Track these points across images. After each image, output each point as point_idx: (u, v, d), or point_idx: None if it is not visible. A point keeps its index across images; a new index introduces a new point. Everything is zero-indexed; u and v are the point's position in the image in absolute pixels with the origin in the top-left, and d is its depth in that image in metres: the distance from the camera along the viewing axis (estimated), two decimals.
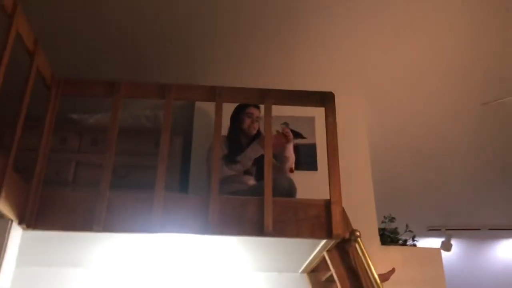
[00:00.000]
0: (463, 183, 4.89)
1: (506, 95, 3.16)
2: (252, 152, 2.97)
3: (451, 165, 4.70)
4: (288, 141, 3.02)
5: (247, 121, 3.14)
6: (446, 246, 5.33)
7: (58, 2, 3.18)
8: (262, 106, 2.75)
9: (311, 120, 3.76)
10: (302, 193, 2.87)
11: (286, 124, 3.53)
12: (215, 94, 2.64)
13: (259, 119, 3.18)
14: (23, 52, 2.24)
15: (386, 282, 2.98)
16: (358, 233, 2.60)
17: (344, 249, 2.68)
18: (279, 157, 3.03)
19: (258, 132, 3.17)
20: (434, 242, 5.41)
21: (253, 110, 3.16)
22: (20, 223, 2.18)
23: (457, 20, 3.36)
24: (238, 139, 3.09)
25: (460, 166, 4.72)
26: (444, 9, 3.23)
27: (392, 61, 3.72)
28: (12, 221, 2.13)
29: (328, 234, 2.40)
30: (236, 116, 3.16)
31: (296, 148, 3.68)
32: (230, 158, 2.95)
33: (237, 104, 3.16)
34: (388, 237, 3.74)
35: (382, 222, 3.82)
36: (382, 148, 4.37)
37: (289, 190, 2.73)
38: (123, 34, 3.46)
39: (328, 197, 2.47)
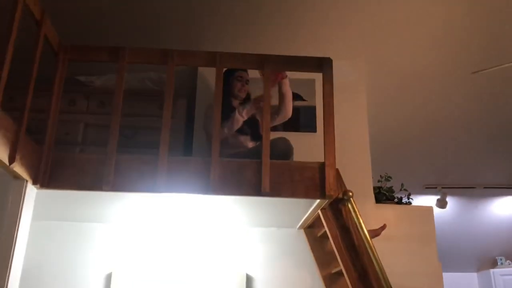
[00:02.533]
0: (458, 143, 5.01)
1: (496, 64, 3.26)
2: (248, 108, 3.07)
3: (447, 127, 4.81)
4: (283, 76, 3.13)
5: (238, 85, 3.25)
6: (442, 204, 5.54)
7: None
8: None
9: (311, 82, 3.85)
10: (301, 154, 3.01)
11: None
12: (216, 59, 2.74)
13: (249, 82, 3.28)
14: (32, 21, 2.33)
15: (379, 238, 3.16)
16: (350, 193, 2.77)
17: (338, 208, 2.85)
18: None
19: (248, 94, 3.28)
20: (430, 200, 5.59)
21: (242, 74, 3.26)
22: (34, 183, 2.36)
23: None
24: (229, 102, 3.18)
25: (455, 128, 4.82)
26: None
27: (391, 27, 3.78)
28: (27, 181, 2.30)
29: (322, 195, 2.57)
30: (226, 80, 3.16)
31: (296, 109, 3.81)
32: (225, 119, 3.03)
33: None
34: (384, 195, 3.88)
35: (379, 181, 3.95)
36: (380, 111, 4.47)
37: (286, 152, 2.87)
38: (125, 1, 3.52)
39: None
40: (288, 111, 3.27)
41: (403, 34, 3.89)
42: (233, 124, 3.03)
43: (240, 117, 3.06)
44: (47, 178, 2.42)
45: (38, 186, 2.38)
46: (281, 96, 3.21)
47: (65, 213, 3.08)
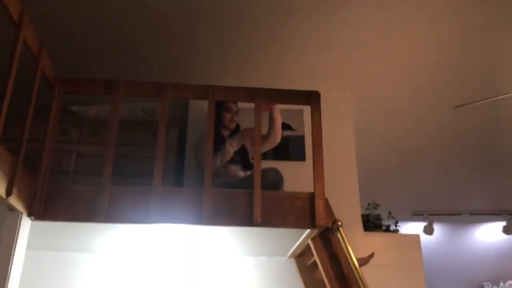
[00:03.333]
0: (444, 171, 5.13)
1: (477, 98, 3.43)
2: (237, 139, 3.19)
3: (432, 155, 4.94)
4: (274, 104, 3.25)
5: (227, 115, 3.34)
6: (429, 230, 5.64)
7: (60, 6, 3.31)
8: None
9: (300, 112, 3.94)
10: (291, 182, 3.09)
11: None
12: (208, 92, 2.82)
13: (238, 113, 3.37)
14: (28, 54, 2.39)
15: (367, 266, 3.20)
16: (339, 223, 2.82)
17: (327, 237, 2.90)
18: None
19: (237, 125, 3.36)
20: (417, 226, 5.68)
21: (232, 105, 3.35)
22: (29, 215, 2.39)
23: (438, 24, 3.59)
24: (220, 133, 3.26)
25: (440, 156, 4.95)
26: (425, 9, 3.41)
27: (377, 58, 3.93)
28: (22, 213, 2.33)
29: (312, 224, 2.63)
30: (216, 111, 3.23)
31: (286, 139, 3.91)
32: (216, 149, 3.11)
33: None
34: (372, 223, 3.95)
35: (367, 208, 4.03)
36: (367, 140, 4.58)
37: (276, 181, 2.94)
38: (121, 35, 3.63)
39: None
40: (278, 136, 3.36)
41: (389, 67, 4.04)
42: (224, 155, 3.11)
43: (231, 148, 3.14)
44: (42, 210, 2.45)
45: (33, 218, 2.41)
46: (271, 121, 3.32)
47: (59, 243, 3.09)
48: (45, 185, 2.50)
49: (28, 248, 2.42)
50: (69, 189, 2.58)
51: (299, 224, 2.65)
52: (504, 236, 5.80)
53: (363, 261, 3.18)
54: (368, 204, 4.04)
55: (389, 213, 4.14)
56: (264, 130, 3.27)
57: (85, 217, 2.49)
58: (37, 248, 3.05)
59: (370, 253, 3.29)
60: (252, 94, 2.85)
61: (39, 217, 2.43)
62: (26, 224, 2.40)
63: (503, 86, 3.92)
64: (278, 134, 3.36)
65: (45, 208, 2.46)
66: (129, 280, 3.21)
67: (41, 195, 2.46)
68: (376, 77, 4.14)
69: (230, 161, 3.20)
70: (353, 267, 2.73)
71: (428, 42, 3.75)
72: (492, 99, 3.38)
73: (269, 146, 3.40)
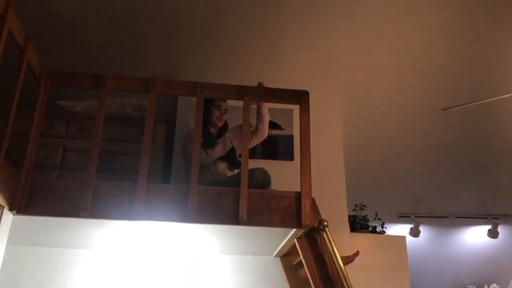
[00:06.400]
0: (431, 174, 5.16)
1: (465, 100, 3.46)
2: (232, 134, 3.20)
3: (420, 158, 4.96)
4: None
5: (216, 113, 3.32)
6: (415, 232, 5.67)
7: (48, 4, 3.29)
8: None
9: (289, 112, 3.94)
10: (279, 182, 3.07)
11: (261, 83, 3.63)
12: (197, 89, 2.80)
13: (227, 111, 3.36)
14: (15, 46, 2.36)
15: (352, 266, 3.21)
16: (325, 223, 2.82)
17: (313, 237, 2.90)
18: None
19: (225, 123, 3.36)
20: (403, 228, 5.71)
21: (221, 103, 3.33)
22: (10, 209, 2.35)
23: (428, 27, 3.60)
24: (207, 130, 3.24)
25: (428, 159, 4.98)
26: (414, 12, 3.43)
27: (365, 58, 3.95)
28: (3, 207, 2.29)
29: (298, 224, 2.62)
30: (205, 108, 3.15)
31: (275, 138, 3.91)
32: (205, 145, 3.10)
33: None
34: (359, 224, 3.95)
35: (354, 209, 4.03)
36: (356, 141, 4.59)
37: (264, 182, 2.93)
38: (111, 30, 3.60)
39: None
40: (265, 132, 3.36)
41: (379, 68, 4.05)
42: (225, 144, 3.16)
43: (229, 142, 3.16)
44: (24, 204, 2.40)
45: (14, 212, 2.37)
46: (259, 117, 3.32)
47: (41, 238, 3.05)
48: (28, 179, 2.46)
49: (9, 243, 2.38)
50: (53, 184, 2.54)
51: (285, 223, 2.64)
52: (489, 240, 5.85)
53: (348, 259, 3.19)
54: (355, 205, 4.04)
55: (376, 214, 4.14)
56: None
57: (68, 212, 2.46)
58: (19, 243, 3.02)
59: (355, 251, 3.30)
60: (241, 92, 2.84)
61: (21, 212, 2.39)
62: (8, 218, 2.36)
63: (491, 90, 3.95)
64: (266, 129, 3.36)
65: (27, 202, 2.41)
66: (112, 277, 3.18)
67: (23, 189, 2.42)
68: (365, 79, 4.15)
69: (219, 159, 3.19)
70: (338, 268, 2.73)
71: (417, 44, 3.77)
72: (479, 102, 3.41)
73: (256, 141, 3.40)
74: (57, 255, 3.18)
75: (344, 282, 2.68)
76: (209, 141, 3.15)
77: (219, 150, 3.15)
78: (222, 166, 3.20)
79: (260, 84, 3.15)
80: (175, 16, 3.51)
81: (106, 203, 2.49)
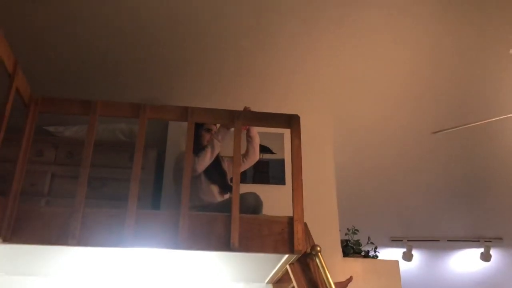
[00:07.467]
0: (424, 197, 5.18)
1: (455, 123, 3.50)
2: (220, 135, 3.16)
3: (411, 181, 4.98)
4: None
5: (206, 136, 3.31)
6: (407, 256, 5.65)
7: (39, 24, 3.28)
8: None
9: (280, 136, 3.94)
10: (271, 206, 3.04)
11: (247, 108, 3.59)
12: (187, 114, 2.78)
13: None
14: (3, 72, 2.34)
15: None
16: (318, 248, 2.78)
17: (306, 262, 2.85)
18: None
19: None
20: (396, 252, 5.68)
21: (211, 126, 3.33)
22: None
23: (417, 51, 3.65)
24: (197, 152, 3.19)
25: (419, 182, 5.00)
26: (404, 37, 3.48)
27: (356, 83, 3.98)
28: None
29: (290, 250, 2.57)
30: (196, 131, 3.04)
31: (266, 162, 3.89)
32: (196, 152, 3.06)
33: None
34: (351, 249, 3.92)
35: (346, 234, 4.00)
36: (347, 164, 4.60)
37: (256, 207, 2.90)
38: (100, 55, 3.61)
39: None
40: (256, 154, 3.36)
41: (368, 92, 4.10)
42: (214, 148, 3.11)
43: (218, 142, 3.13)
44: (10, 232, 2.34)
45: (0, 240, 2.31)
46: (249, 139, 3.32)
47: (29, 267, 2.97)
48: (15, 207, 2.40)
49: None
50: (41, 211, 2.48)
51: (277, 249, 2.59)
52: (482, 263, 5.83)
53: (341, 285, 3.14)
54: (348, 229, 4.01)
55: (369, 238, 4.11)
56: (242, 151, 3.27)
57: (56, 240, 2.39)
58: (5, 272, 2.93)
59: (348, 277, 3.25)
60: (232, 116, 2.83)
61: (7, 240, 2.32)
62: None
63: (482, 113, 3.98)
64: (257, 152, 3.36)
65: (14, 230, 2.35)
66: None
67: (10, 216, 2.35)
68: (356, 103, 4.19)
69: (210, 180, 3.16)
70: None
71: (407, 69, 3.82)
72: (470, 125, 3.43)
73: (248, 164, 3.38)
74: (45, 285, 3.09)
75: None
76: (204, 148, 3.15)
77: (209, 153, 3.11)
78: (213, 188, 3.17)
79: (246, 109, 3.15)
80: (166, 43, 3.53)
81: (95, 230, 2.44)
